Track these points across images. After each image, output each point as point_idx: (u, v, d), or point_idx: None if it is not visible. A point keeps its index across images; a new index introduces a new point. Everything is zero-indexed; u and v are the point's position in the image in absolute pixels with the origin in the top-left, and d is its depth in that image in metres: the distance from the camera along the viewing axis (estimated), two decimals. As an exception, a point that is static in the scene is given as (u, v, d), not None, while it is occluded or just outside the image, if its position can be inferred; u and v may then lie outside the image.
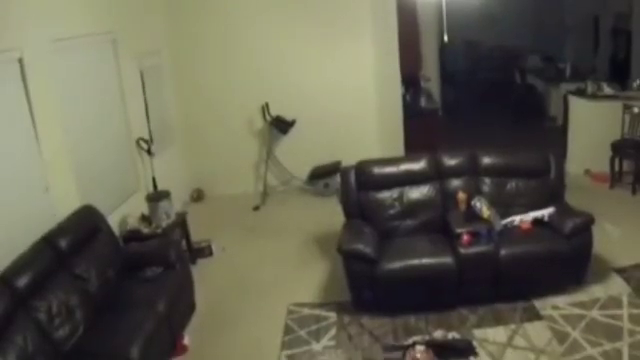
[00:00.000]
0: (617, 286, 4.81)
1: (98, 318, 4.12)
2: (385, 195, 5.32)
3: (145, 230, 5.51)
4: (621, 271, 5.02)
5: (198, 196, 7.92)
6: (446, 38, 6.05)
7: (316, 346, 4.43)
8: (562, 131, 8.24)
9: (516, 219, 4.97)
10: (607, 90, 7.74)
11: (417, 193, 5.32)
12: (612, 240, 5.52)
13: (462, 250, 4.64)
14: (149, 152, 6.12)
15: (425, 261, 4.69)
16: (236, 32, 7.56)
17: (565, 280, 4.75)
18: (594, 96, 7.73)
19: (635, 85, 7.76)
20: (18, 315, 3.58)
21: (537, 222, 4.94)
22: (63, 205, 4.67)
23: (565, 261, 4.66)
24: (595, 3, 10.54)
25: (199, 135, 7.87)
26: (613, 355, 3.94)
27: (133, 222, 5.62)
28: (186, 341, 4.55)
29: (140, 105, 6.46)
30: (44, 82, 4.60)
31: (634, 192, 6.85)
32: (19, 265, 3.84)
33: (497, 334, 4.33)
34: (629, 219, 6.10)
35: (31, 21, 4.49)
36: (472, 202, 5.05)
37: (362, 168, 5.44)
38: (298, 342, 4.50)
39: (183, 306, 4.80)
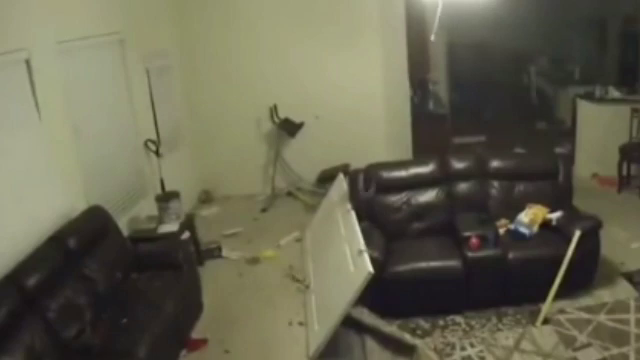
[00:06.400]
0: (624, 291, 4.81)
1: (106, 318, 4.14)
2: (393, 198, 5.34)
3: (153, 231, 5.52)
4: (629, 276, 5.01)
5: (206, 197, 7.93)
6: (433, 37, 5.95)
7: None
8: (571, 134, 8.22)
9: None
10: (614, 94, 7.72)
11: (425, 196, 5.33)
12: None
13: (470, 254, 4.65)
14: (157, 153, 6.14)
15: (432, 264, 4.71)
16: (245, 34, 7.57)
17: (572, 284, 4.73)
18: (602, 100, 7.71)
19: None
20: (26, 314, 3.59)
21: (545, 225, 4.95)
22: (70, 206, 4.69)
23: (573, 265, 4.65)
24: (603, 5, 10.50)
25: (207, 136, 7.88)
26: (620, 360, 3.95)
27: (141, 223, 5.64)
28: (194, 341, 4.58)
29: (148, 106, 6.48)
30: (51, 83, 4.61)
31: (642, 196, 6.84)
32: (28, 264, 3.86)
33: (504, 338, 4.33)
34: (637, 223, 6.07)
35: (38, 22, 4.49)
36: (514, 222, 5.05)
37: (370, 171, 5.46)
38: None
39: (191, 307, 4.82)
